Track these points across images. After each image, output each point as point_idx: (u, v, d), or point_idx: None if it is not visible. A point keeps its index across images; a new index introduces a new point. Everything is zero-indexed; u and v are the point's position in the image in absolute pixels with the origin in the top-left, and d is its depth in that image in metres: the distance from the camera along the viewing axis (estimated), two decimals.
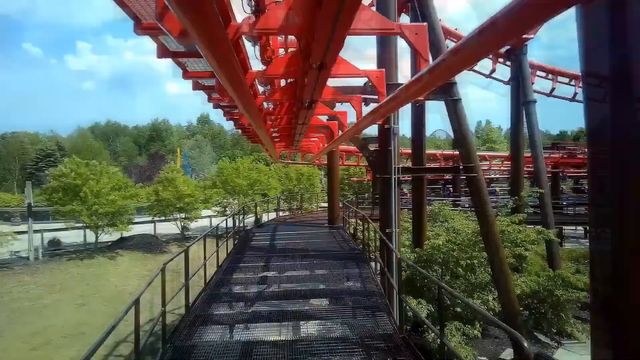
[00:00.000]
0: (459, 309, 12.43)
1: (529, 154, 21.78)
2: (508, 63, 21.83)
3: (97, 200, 24.63)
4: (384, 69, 9.66)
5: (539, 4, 2.01)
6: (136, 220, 31.91)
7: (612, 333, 3.43)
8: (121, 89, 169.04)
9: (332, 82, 8.35)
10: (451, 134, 14.16)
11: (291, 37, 8.21)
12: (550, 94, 25.58)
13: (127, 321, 5.37)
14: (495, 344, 13.89)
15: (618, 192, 3.29)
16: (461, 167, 13.32)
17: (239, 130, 19.37)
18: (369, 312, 8.24)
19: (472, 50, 2.68)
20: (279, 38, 8.50)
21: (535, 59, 24.65)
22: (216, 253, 12.04)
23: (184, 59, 7.04)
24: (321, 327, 7.61)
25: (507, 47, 20.49)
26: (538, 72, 24.36)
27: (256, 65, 7.29)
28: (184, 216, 31.15)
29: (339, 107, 14.24)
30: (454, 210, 21.54)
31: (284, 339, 7.04)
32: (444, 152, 33.44)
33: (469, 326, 11.98)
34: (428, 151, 33.87)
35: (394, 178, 11.89)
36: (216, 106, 12.00)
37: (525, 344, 3.92)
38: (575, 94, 25.19)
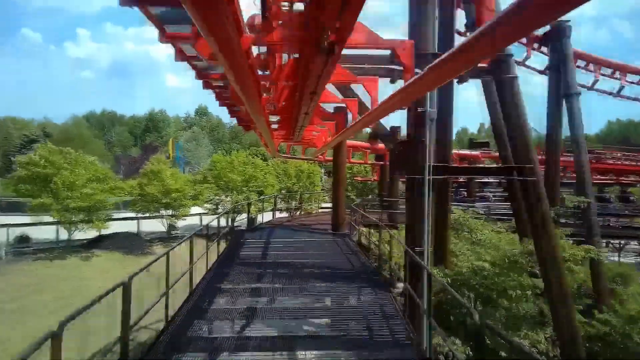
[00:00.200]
0: (503, 353, 9.57)
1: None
2: (544, 50, 18.92)
3: (69, 194, 21.67)
4: (413, 40, 7.24)
5: None
6: (118, 216, 28.98)
7: None
8: (120, 79, 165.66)
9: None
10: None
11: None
12: (591, 88, 22.54)
13: None
14: None
15: None
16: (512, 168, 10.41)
17: (238, 124, 16.72)
18: None
19: None
20: None
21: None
22: (205, 255, 10.17)
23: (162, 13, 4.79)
24: None
25: (546, 30, 17.59)
26: (577, 62, 21.23)
27: None
28: (171, 213, 28.21)
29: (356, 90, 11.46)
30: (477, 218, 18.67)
31: None
32: (459, 151, 30.43)
33: None
34: None
35: (428, 179, 9.00)
36: (206, 85, 9.32)
37: None
38: (622, 87, 22.15)
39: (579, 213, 17.48)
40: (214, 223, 14.24)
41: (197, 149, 72.82)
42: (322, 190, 37.30)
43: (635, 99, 23.62)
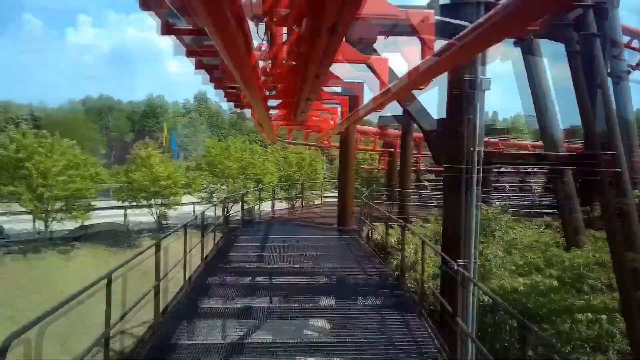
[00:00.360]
0: None
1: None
2: None
3: (44, 181, 19.35)
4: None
5: None
6: (104, 205, 26.74)
7: None
8: (121, 65, 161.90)
9: None
10: None
11: None
12: (637, 67, 19.87)
13: None
14: None
15: None
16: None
17: (234, 107, 14.53)
18: None
19: None
20: None
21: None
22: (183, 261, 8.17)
23: None
24: None
25: None
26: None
27: None
28: (160, 203, 25.92)
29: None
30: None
31: None
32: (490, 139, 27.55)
33: None
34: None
35: (478, 170, 6.66)
36: (190, 53, 7.10)
37: None
38: None
39: None
40: (207, 213, 11.97)
41: (195, 135, 70.35)
42: (324, 179, 34.98)
43: None
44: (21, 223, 22.19)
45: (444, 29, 5.87)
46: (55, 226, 21.91)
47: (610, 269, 8.70)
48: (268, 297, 7.96)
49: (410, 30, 5.59)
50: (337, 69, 8.16)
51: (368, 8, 4.81)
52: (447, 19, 5.97)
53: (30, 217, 21.56)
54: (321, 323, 6.63)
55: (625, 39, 17.97)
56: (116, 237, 24.19)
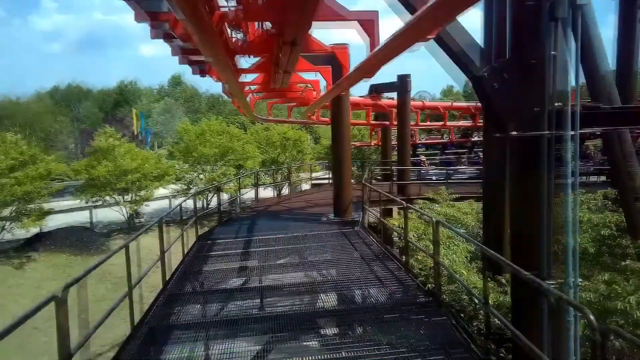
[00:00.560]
0: None
1: None
2: None
3: None
4: None
5: None
6: (67, 206, 23.69)
7: None
8: (92, 51, 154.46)
9: None
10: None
11: None
12: None
13: None
14: None
15: None
16: None
17: (216, 93, 11.88)
18: None
19: None
20: None
21: None
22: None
23: None
24: None
25: None
26: None
27: None
28: (130, 199, 22.98)
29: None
30: None
31: None
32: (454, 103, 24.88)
33: None
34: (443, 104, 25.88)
35: (573, 136, 4.10)
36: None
37: None
38: None
39: None
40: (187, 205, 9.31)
41: (171, 122, 66.67)
42: (311, 159, 32.28)
43: None
44: None
45: None
46: (7, 236, 18.96)
47: None
48: (250, 338, 5.46)
49: None
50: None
51: None
52: None
53: None
54: None
55: None
56: (81, 241, 21.31)
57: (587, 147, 26.26)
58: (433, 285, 6.41)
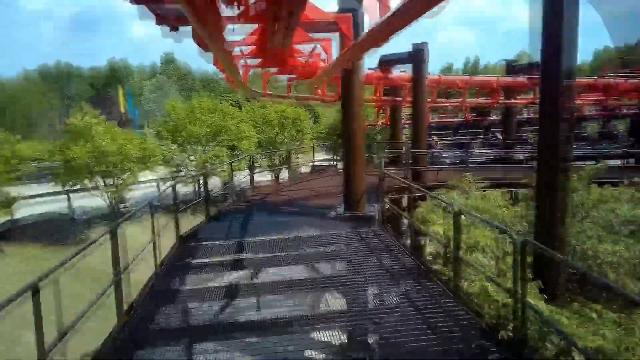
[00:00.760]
0: None
1: None
2: None
3: None
4: None
5: None
6: (41, 191, 21.48)
7: None
8: (84, 31, 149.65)
9: None
10: None
11: None
12: None
13: None
14: None
15: None
16: None
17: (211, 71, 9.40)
18: None
19: None
20: None
21: None
22: None
23: None
24: None
25: None
26: None
27: None
28: (112, 183, 20.76)
29: None
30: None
31: None
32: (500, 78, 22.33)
33: None
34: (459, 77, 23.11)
35: None
36: None
37: None
38: None
39: None
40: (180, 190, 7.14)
41: (163, 100, 63.87)
42: (311, 140, 29.90)
43: None
44: None
45: None
46: None
47: None
48: None
49: None
50: None
51: None
52: None
53: None
54: None
55: None
56: (57, 231, 19.20)
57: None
58: (512, 334, 4.28)
